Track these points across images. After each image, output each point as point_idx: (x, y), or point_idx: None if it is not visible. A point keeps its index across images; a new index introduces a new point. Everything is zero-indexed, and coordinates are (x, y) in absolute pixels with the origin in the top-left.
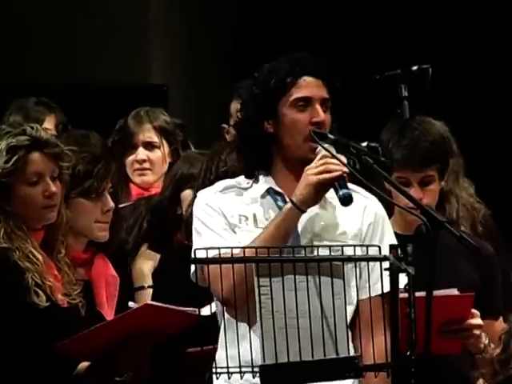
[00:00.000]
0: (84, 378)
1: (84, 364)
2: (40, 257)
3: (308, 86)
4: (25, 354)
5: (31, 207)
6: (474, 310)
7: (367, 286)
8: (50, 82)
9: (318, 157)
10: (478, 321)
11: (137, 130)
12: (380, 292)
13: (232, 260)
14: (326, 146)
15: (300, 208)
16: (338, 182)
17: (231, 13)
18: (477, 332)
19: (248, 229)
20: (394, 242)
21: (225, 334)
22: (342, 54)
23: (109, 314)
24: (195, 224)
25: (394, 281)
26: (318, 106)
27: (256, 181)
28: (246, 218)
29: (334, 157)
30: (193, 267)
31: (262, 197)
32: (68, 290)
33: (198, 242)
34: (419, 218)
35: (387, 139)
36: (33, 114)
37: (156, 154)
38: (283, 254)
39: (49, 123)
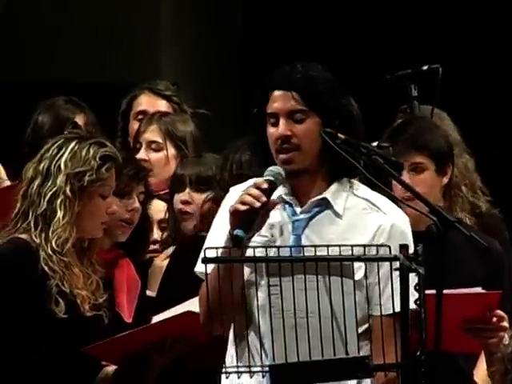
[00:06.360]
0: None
1: (108, 369)
2: (77, 269)
3: (275, 101)
4: (39, 359)
5: (93, 219)
6: (502, 313)
7: (378, 303)
8: (60, 81)
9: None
10: (505, 323)
11: (143, 129)
12: (391, 312)
13: (243, 259)
14: (270, 169)
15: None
16: (244, 217)
17: (241, 12)
18: (501, 334)
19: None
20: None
21: (234, 335)
22: (352, 54)
23: (127, 315)
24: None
25: (404, 280)
26: (282, 121)
27: None
28: None
29: (257, 187)
30: (202, 267)
31: None
32: (95, 299)
33: (208, 237)
34: (429, 217)
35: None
36: (63, 113)
37: (157, 156)
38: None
39: (79, 122)
